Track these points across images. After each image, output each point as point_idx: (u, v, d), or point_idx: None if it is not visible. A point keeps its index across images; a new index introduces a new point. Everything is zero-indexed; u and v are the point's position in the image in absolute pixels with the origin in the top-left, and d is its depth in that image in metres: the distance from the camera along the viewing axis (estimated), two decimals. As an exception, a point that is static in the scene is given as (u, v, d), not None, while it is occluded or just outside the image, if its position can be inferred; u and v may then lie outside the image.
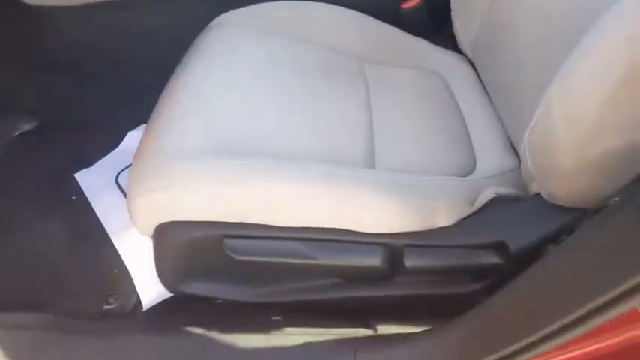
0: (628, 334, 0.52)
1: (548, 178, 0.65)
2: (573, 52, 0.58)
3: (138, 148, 0.74)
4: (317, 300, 0.74)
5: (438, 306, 0.74)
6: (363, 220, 0.68)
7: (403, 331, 0.76)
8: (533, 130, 0.65)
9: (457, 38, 1.01)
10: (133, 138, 1.12)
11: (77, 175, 1.07)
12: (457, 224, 0.69)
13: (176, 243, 0.70)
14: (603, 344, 0.52)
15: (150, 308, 0.85)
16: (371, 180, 0.71)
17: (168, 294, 0.82)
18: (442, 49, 1.03)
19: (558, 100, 0.59)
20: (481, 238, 0.68)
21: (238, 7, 0.97)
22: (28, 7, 0.98)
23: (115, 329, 0.80)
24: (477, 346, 0.59)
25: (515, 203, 0.71)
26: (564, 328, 0.47)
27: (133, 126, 1.13)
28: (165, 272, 0.75)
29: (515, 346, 0.51)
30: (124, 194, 1.01)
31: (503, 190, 0.73)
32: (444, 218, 0.69)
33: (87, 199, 1.02)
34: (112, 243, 0.94)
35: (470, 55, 0.99)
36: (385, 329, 0.77)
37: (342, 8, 1.01)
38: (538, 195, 0.68)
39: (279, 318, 0.79)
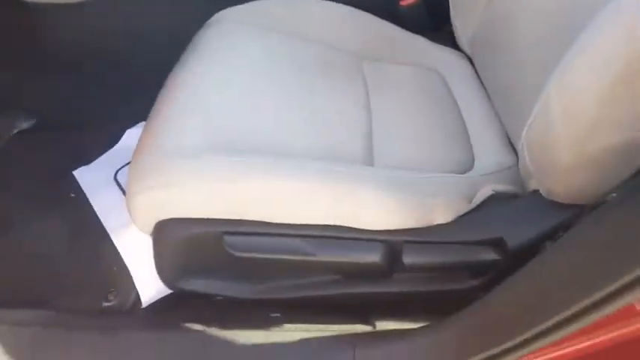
0: (625, 330, 0.52)
1: (546, 175, 0.65)
2: (571, 48, 0.58)
3: (137, 145, 0.75)
4: (316, 297, 0.74)
5: (436, 302, 0.75)
6: (362, 217, 0.68)
7: (402, 327, 0.76)
8: (531, 126, 0.65)
9: (456, 35, 1.01)
10: (131, 135, 1.12)
11: (76, 173, 1.07)
12: (455, 221, 0.69)
13: (175, 240, 0.71)
14: (600, 340, 0.53)
15: (149, 305, 0.86)
16: (369, 177, 0.71)
17: (167, 291, 0.82)
18: (440, 46, 1.03)
19: (556, 97, 0.59)
20: (479, 235, 0.68)
21: (236, 4, 0.97)
22: (25, 4, 0.98)
23: (115, 326, 0.80)
24: (475, 341, 0.59)
25: (513, 200, 0.72)
26: (562, 324, 0.48)
27: (132, 123, 1.13)
28: (164, 269, 0.75)
29: (513, 342, 0.51)
30: (123, 192, 1.02)
31: (502, 187, 0.73)
32: (442, 215, 0.69)
33: (86, 197, 1.02)
34: (111, 240, 0.94)
35: (468, 52, 0.99)
36: (384, 325, 0.78)
37: (341, 5, 1.01)
38: (536, 192, 0.68)
39: (279, 315, 0.79)
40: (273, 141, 0.75)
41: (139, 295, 0.87)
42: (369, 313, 0.79)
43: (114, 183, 1.04)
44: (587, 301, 0.45)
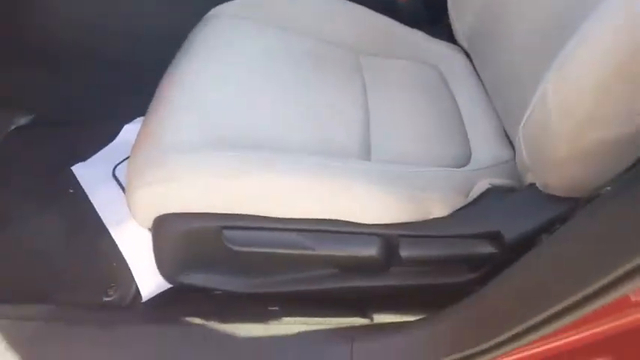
0: (620, 321, 0.52)
1: (542, 168, 0.65)
2: (569, 42, 0.58)
3: (135, 141, 0.75)
4: (314, 290, 0.75)
5: (433, 295, 0.75)
6: (357, 211, 0.68)
7: (399, 320, 0.77)
8: (528, 119, 0.65)
9: (453, 29, 1.01)
10: (129, 131, 1.12)
11: (74, 168, 1.07)
12: (452, 215, 0.69)
13: (175, 234, 0.71)
14: (595, 331, 0.53)
15: (149, 299, 0.86)
16: (365, 171, 0.71)
17: (167, 285, 0.83)
18: (438, 40, 1.03)
19: (554, 89, 0.59)
20: (476, 228, 0.68)
21: (233, -1, 0.97)
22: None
23: (115, 320, 0.81)
24: (471, 334, 0.59)
25: (510, 194, 0.72)
26: (557, 316, 0.48)
27: (130, 119, 1.13)
28: (164, 264, 0.75)
29: (509, 334, 0.52)
30: (122, 187, 1.02)
31: (498, 181, 0.73)
32: (438, 209, 0.69)
33: (84, 192, 1.02)
34: (110, 235, 0.94)
35: (466, 46, 0.99)
36: (381, 319, 0.78)
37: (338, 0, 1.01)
38: (533, 185, 0.68)
39: (277, 308, 0.79)
40: (269, 136, 0.75)
41: (138, 290, 0.87)
42: (366, 307, 0.80)
43: (112, 178, 1.04)
44: (582, 293, 0.45)
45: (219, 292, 0.77)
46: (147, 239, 0.74)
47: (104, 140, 1.11)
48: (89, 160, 1.09)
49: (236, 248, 0.70)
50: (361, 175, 0.70)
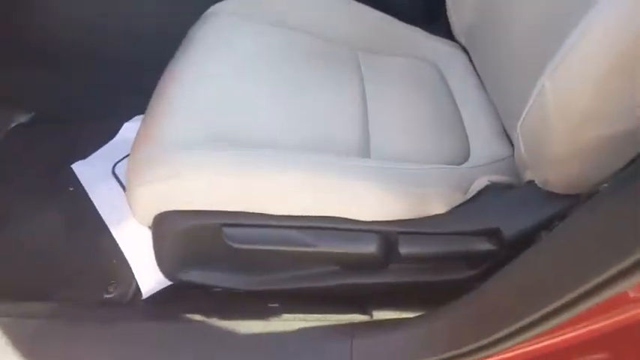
0: (618, 317, 0.53)
1: (541, 165, 0.65)
2: (568, 38, 0.58)
3: (135, 138, 0.75)
4: (314, 287, 0.75)
5: (432, 292, 0.75)
6: (357, 208, 0.68)
7: (399, 316, 0.77)
8: (527, 115, 0.65)
9: (451, 26, 1.01)
10: (128, 129, 1.12)
11: (74, 166, 1.07)
12: (451, 212, 0.69)
13: (175, 232, 0.71)
14: (594, 327, 0.53)
15: (149, 297, 0.86)
16: (364, 169, 0.71)
17: (167, 282, 0.83)
18: (436, 37, 1.03)
19: (553, 85, 0.59)
20: (475, 225, 0.69)
21: (232, -5, 0.97)
22: None
23: (116, 317, 0.81)
24: (470, 330, 0.60)
25: (509, 191, 0.72)
26: (557, 312, 0.48)
27: (129, 117, 1.13)
28: (164, 261, 0.75)
29: (507, 331, 0.52)
30: (122, 185, 1.02)
31: (497, 178, 0.73)
32: (437, 206, 0.69)
33: (84, 190, 1.03)
34: (110, 233, 0.95)
35: (464, 42, 0.99)
36: (381, 315, 0.79)
37: None
38: (532, 182, 0.68)
39: (277, 305, 0.80)
40: (269, 134, 0.75)
41: (138, 287, 0.87)
42: (366, 304, 0.80)
43: (112, 176, 1.04)
44: (581, 289, 0.45)
45: (219, 289, 0.77)
46: (147, 236, 0.74)
47: (104, 138, 1.11)
48: (89, 158, 1.09)
49: (236, 245, 0.70)
50: (361, 172, 0.70)
